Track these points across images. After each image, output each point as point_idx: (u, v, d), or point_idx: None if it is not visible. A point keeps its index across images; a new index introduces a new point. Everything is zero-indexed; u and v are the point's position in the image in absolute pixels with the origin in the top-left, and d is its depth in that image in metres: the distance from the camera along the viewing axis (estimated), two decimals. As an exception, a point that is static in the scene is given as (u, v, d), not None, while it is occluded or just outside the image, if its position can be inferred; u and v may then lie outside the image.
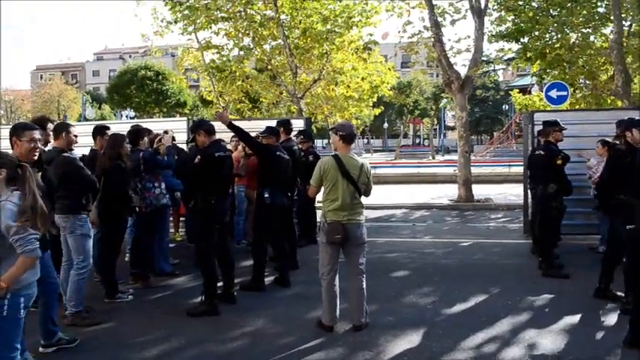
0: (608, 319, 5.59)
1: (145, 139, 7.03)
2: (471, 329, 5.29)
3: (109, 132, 6.80)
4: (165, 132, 7.26)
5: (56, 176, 5.63)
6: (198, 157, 5.95)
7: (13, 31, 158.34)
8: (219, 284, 6.19)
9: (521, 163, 25.16)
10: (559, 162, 7.27)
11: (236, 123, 6.64)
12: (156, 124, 9.89)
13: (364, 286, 5.32)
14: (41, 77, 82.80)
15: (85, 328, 5.52)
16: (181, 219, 10.06)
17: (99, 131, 6.97)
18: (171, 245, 9.10)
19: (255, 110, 17.70)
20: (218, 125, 6.52)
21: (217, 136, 6.72)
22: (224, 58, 15.99)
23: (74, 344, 5.04)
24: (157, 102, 34.25)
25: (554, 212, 7.26)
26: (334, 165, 5.16)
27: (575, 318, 5.60)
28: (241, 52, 15.82)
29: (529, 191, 9.79)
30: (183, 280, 7.36)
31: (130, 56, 70.59)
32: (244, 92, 17.40)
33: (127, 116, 36.69)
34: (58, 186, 5.63)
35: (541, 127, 8.43)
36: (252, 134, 6.98)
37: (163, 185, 7.14)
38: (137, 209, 6.82)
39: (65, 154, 5.63)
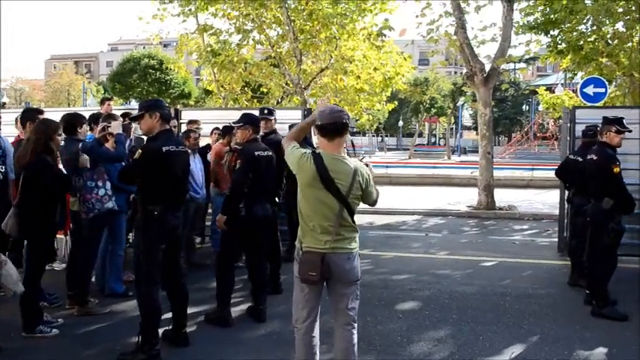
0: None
1: (85, 126, 5.49)
2: (505, 406, 3.72)
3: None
4: (112, 117, 5.67)
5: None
6: (139, 151, 4.42)
7: (29, 19, 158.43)
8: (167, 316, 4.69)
9: (547, 167, 23.55)
10: (616, 170, 5.63)
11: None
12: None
13: (355, 340, 3.70)
14: (55, 67, 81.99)
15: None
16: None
17: (29, 116, 5.48)
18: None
19: (255, 101, 16.16)
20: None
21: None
22: (221, 43, 14.46)
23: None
24: (160, 92, 32.74)
25: (610, 235, 5.61)
26: (312, 169, 3.51)
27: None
28: (240, 36, 14.29)
29: (566, 203, 8.30)
30: (134, 306, 5.81)
31: (143, 47, 69.45)
32: (245, 82, 15.95)
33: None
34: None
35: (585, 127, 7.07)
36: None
37: (109, 185, 5.56)
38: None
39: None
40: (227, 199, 5.39)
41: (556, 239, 9.11)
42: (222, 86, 15.72)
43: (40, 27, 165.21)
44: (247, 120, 5.47)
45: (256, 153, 5.31)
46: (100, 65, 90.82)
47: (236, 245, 5.38)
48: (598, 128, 6.20)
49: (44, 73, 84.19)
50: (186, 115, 9.17)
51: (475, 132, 58.66)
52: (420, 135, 63.76)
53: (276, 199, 6.13)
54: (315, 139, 8.26)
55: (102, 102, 8.89)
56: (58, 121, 5.22)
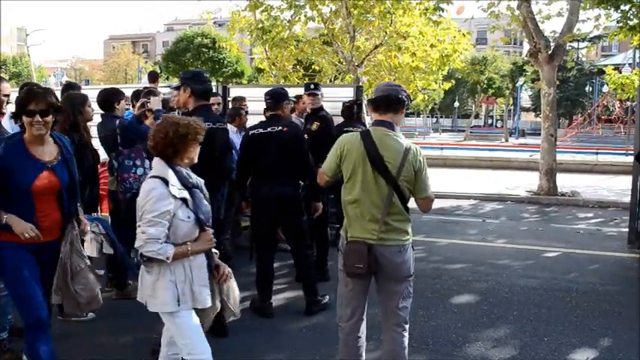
0: None
1: (122, 102, 5.23)
2: None
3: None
4: (152, 93, 5.38)
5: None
6: (174, 128, 4.10)
7: (89, 1, 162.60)
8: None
9: (612, 152, 22.26)
10: None
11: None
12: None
13: (405, 343, 3.32)
14: (113, 47, 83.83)
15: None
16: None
17: (67, 91, 5.24)
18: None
19: (307, 79, 15.77)
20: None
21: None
22: (271, 19, 14.12)
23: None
24: (213, 71, 32.76)
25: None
26: (359, 146, 3.15)
27: None
28: (292, 12, 13.90)
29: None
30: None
31: (198, 27, 70.17)
32: (297, 60, 15.61)
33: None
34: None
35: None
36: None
37: (148, 164, 5.31)
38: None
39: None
40: None
41: (625, 229, 8.44)
42: (273, 64, 15.44)
43: (99, 9, 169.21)
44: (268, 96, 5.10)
45: (251, 132, 4.98)
46: (157, 45, 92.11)
47: (258, 230, 5.08)
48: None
49: (103, 53, 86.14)
50: (234, 92, 8.91)
51: (534, 114, 56.71)
52: (477, 116, 62.07)
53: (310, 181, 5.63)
54: (369, 118, 7.86)
55: (151, 77, 8.65)
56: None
